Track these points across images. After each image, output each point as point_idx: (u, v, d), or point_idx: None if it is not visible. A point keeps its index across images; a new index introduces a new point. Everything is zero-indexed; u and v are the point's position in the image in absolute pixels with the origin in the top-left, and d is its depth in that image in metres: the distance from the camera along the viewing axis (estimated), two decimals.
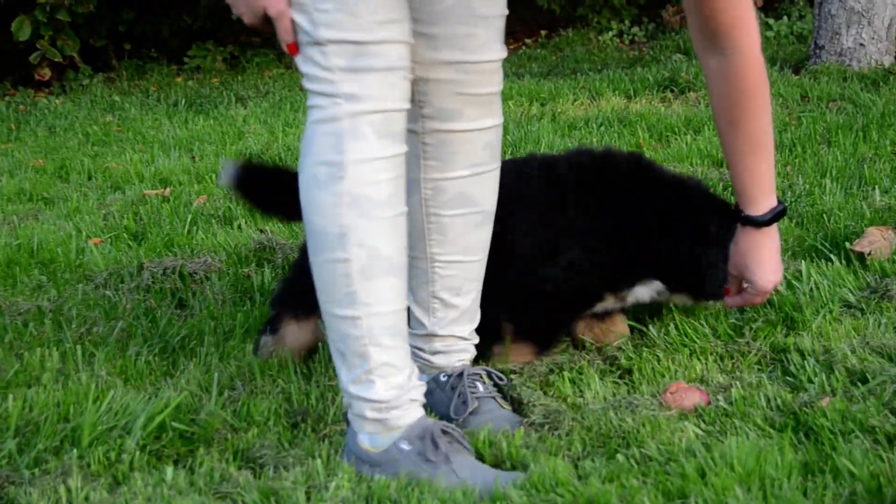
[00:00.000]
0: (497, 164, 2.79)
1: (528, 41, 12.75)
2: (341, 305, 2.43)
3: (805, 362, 2.89)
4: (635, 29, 12.46)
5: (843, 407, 2.56)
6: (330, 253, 2.41)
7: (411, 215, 2.66)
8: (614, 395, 2.88)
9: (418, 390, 2.53)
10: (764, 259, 2.85)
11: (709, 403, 2.75)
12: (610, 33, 12.39)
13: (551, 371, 3.04)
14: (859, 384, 2.74)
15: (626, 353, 3.08)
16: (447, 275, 2.79)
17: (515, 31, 13.58)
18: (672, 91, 7.72)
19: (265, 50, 12.02)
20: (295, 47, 2.41)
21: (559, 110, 7.31)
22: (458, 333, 2.85)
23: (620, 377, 3.02)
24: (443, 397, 2.81)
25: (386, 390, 2.46)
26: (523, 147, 6.05)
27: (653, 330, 3.21)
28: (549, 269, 3.05)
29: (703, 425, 2.63)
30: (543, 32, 12.91)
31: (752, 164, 2.76)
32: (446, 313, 2.82)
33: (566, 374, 2.99)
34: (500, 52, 2.69)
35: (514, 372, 3.02)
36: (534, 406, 2.81)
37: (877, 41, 8.16)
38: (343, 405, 2.60)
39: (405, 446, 2.46)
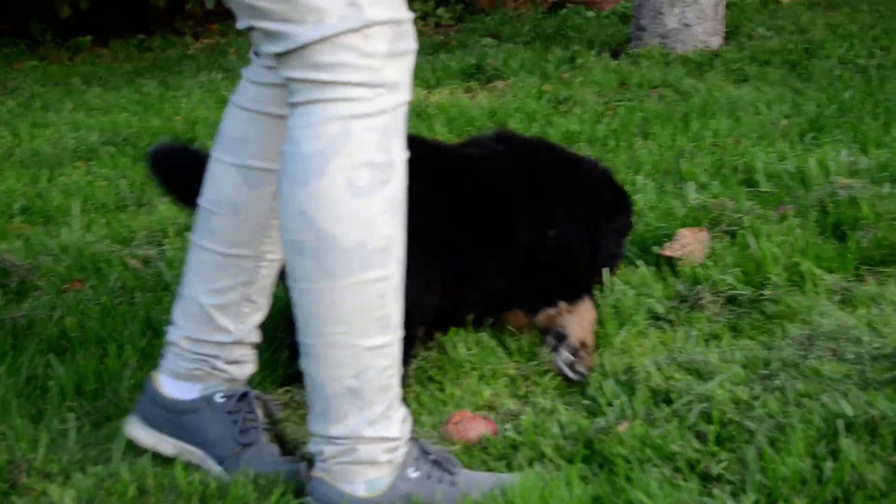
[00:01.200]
0: None
1: None
2: (370, 334, 2.35)
3: (604, 383, 2.93)
4: (441, 10, 12.55)
5: (642, 432, 2.60)
6: (365, 273, 2.31)
7: (255, 209, 2.62)
8: None
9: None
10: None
11: (496, 433, 2.76)
12: (414, 16, 12.45)
13: None
14: (663, 405, 2.79)
15: (406, 380, 3.07)
16: (267, 275, 2.72)
17: None
18: (478, 80, 7.79)
19: (16, 39, 11.75)
20: None
21: None
22: (255, 340, 2.79)
23: None
24: (213, 421, 2.71)
25: (399, 425, 2.44)
26: None
27: (434, 353, 3.21)
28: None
29: (487, 458, 2.64)
30: None
31: None
32: (253, 318, 2.75)
33: None
34: None
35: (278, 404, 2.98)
36: (299, 444, 2.77)
37: (703, 21, 8.37)
38: (316, 458, 2.48)
39: (413, 474, 2.45)
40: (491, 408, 2.93)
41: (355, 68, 2.25)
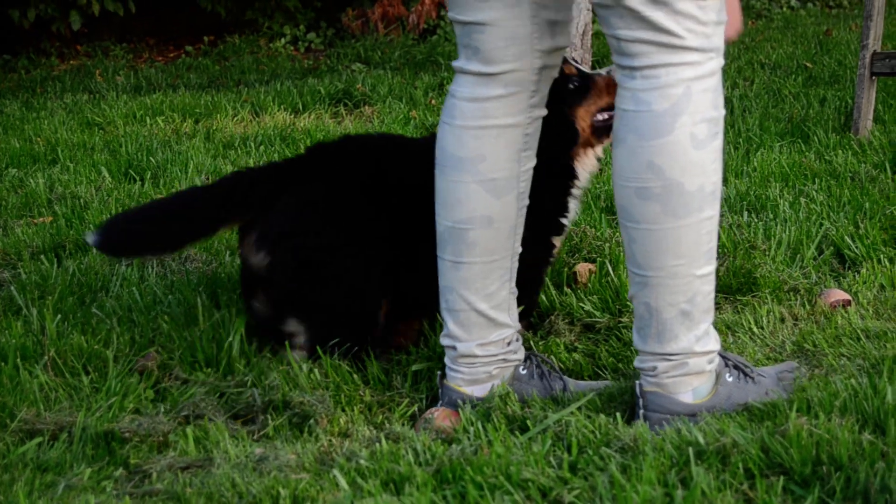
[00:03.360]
0: None
1: (189, 48, 12.61)
2: (701, 263, 2.74)
3: (460, 410, 2.92)
4: (312, 35, 12.52)
5: (496, 459, 2.58)
6: (701, 212, 2.69)
7: (506, 215, 2.94)
8: (246, 455, 2.81)
9: None
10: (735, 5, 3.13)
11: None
12: (283, 40, 12.41)
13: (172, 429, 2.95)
14: (518, 433, 2.78)
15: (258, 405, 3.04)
16: (516, 266, 3.05)
17: (177, 37, 13.42)
18: (346, 105, 7.78)
19: None
20: None
21: (216, 127, 7.24)
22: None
23: (255, 435, 2.96)
24: (532, 387, 3.06)
25: (715, 339, 2.87)
26: (169, 170, 5.94)
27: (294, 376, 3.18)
28: None
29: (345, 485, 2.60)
30: (207, 38, 12.81)
31: None
32: (513, 304, 3.07)
33: (190, 430, 2.91)
34: None
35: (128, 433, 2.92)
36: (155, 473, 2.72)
37: (570, 49, 8.45)
38: (644, 374, 2.85)
39: (728, 378, 2.88)
40: (346, 435, 2.90)
41: (695, 35, 2.62)
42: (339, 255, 3.23)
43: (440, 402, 3.02)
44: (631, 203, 2.71)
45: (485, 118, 2.86)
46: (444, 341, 3.03)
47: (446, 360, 3.04)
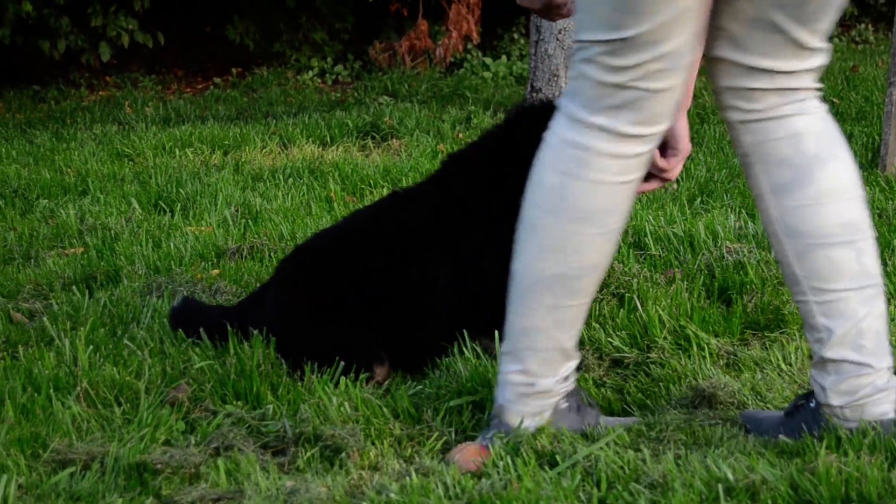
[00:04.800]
0: None
1: (217, 80, 12.69)
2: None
3: (490, 445, 2.93)
4: (339, 67, 12.59)
5: (525, 494, 2.59)
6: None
7: (612, 256, 2.96)
8: (277, 488, 2.83)
9: None
10: (684, 126, 3.23)
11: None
12: (311, 72, 12.47)
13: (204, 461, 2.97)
14: (547, 468, 2.79)
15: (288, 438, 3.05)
16: None
17: (205, 69, 13.51)
18: (373, 138, 7.81)
19: None
20: None
21: (244, 159, 7.28)
22: None
23: (285, 468, 2.98)
24: (568, 420, 3.02)
25: None
26: (199, 202, 5.98)
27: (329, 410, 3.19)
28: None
29: None
30: (235, 70, 12.88)
31: None
32: None
33: (221, 462, 2.93)
34: None
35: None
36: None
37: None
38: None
39: None
40: (376, 468, 2.91)
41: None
42: None
43: (487, 435, 3.01)
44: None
45: (625, 174, 2.79)
46: (516, 378, 2.95)
47: (510, 396, 2.97)
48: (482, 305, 3.50)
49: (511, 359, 2.95)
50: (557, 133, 2.82)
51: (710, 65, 2.84)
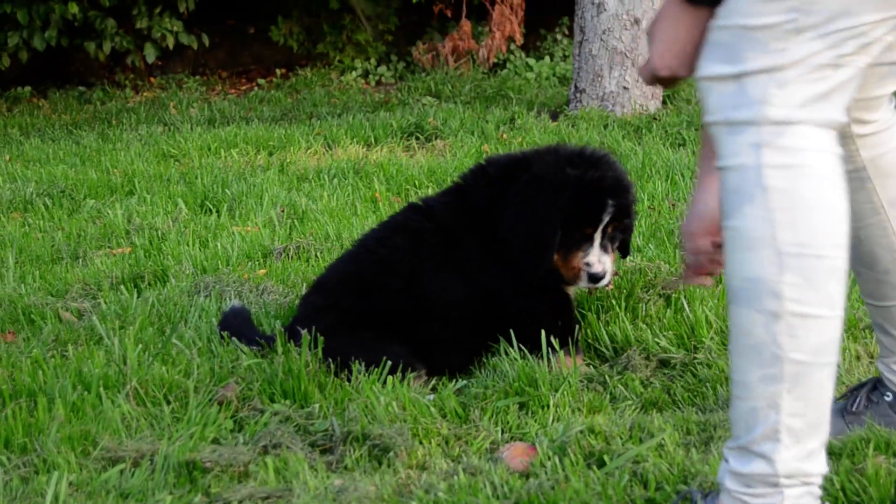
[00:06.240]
0: None
1: (261, 81, 12.73)
2: None
3: (537, 445, 2.93)
4: (382, 68, 12.60)
5: (573, 495, 2.59)
6: None
7: None
8: (326, 486, 2.84)
9: None
10: None
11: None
12: (354, 73, 12.49)
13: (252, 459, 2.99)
14: (595, 468, 2.79)
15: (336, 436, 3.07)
16: None
17: (249, 70, 13.56)
18: (417, 138, 7.82)
19: None
20: None
21: (289, 160, 7.30)
22: None
23: (333, 466, 2.99)
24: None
25: None
26: (244, 202, 6.01)
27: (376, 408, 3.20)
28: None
29: None
30: (279, 72, 12.92)
31: None
32: None
33: (270, 460, 2.94)
34: None
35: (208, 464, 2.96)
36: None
37: (641, 84, 8.44)
38: None
39: None
40: (423, 467, 2.92)
41: None
42: None
43: None
44: None
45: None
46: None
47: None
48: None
49: None
50: None
51: None
